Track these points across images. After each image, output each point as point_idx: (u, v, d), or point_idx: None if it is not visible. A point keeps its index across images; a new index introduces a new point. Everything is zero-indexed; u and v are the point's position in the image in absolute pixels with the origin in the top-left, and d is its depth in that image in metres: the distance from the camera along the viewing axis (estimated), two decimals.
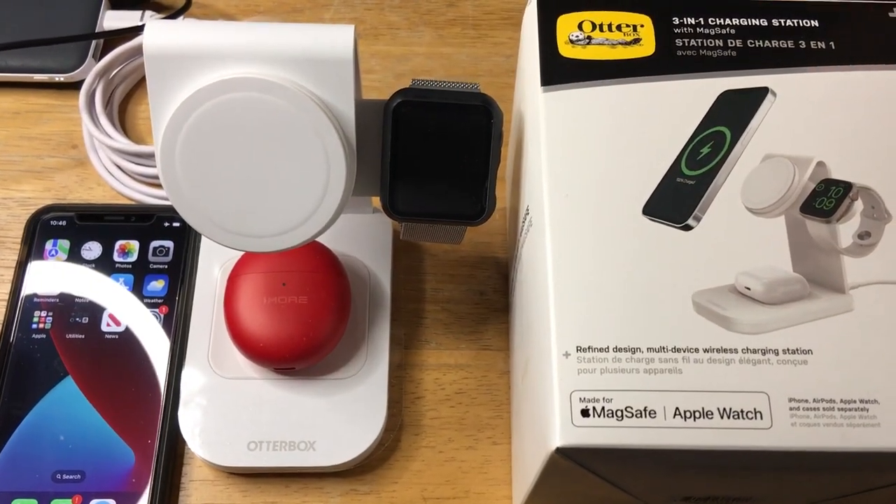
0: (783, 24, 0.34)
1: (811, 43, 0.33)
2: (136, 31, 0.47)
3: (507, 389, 0.42)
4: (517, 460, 0.38)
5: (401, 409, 0.41)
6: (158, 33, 0.31)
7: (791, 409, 0.27)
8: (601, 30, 0.34)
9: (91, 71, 0.47)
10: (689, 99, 0.32)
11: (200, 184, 0.32)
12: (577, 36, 0.34)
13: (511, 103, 0.45)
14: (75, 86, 0.48)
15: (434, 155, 0.34)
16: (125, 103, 0.49)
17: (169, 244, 0.44)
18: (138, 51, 0.48)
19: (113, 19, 0.49)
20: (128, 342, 0.41)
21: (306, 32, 0.32)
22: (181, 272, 0.43)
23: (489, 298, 0.44)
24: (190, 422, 0.39)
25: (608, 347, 0.28)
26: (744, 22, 0.34)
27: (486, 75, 0.50)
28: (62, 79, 0.48)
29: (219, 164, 0.32)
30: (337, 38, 0.31)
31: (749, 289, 0.29)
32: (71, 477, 0.39)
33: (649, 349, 0.28)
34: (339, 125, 0.32)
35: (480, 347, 0.43)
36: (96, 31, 0.49)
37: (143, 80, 0.50)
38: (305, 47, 0.31)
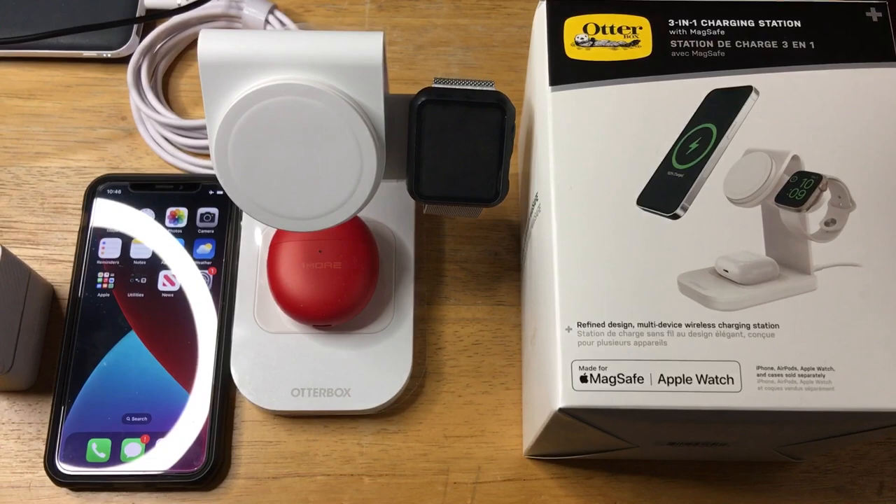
0: (768, 24, 0.37)
1: (793, 43, 0.37)
2: (177, 10, 0.50)
3: (519, 341, 0.47)
4: (526, 406, 0.43)
5: (424, 358, 0.47)
6: (211, 43, 0.35)
7: (758, 375, 0.32)
8: (604, 32, 0.37)
9: (136, 49, 0.50)
10: (681, 98, 0.36)
11: (250, 175, 0.37)
12: (582, 38, 0.37)
13: (523, 73, 0.49)
14: (121, 60, 0.52)
15: (454, 145, 0.38)
16: (167, 76, 0.53)
17: (214, 211, 0.48)
18: (178, 27, 0.52)
19: None
20: (182, 300, 0.47)
21: (341, 40, 0.35)
22: (226, 237, 0.48)
23: (502, 258, 0.49)
24: (240, 370, 0.45)
25: (604, 323, 0.33)
26: (732, 23, 0.37)
27: (499, 46, 0.54)
28: (109, 55, 0.52)
29: (266, 158, 0.36)
30: (368, 46, 0.35)
31: (727, 271, 0.34)
32: (139, 419, 0.44)
33: (639, 324, 0.33)
34: (370, 122, 0.36)
35: (495, 303, 0.48)
36: (137, 7, 0.52)
37: (182, 53, 0.53)
38: (340, 55, 0.35)
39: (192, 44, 0.53)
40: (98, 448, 0.44)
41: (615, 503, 0.44)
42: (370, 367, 0.45)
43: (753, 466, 0.45)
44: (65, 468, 0.43)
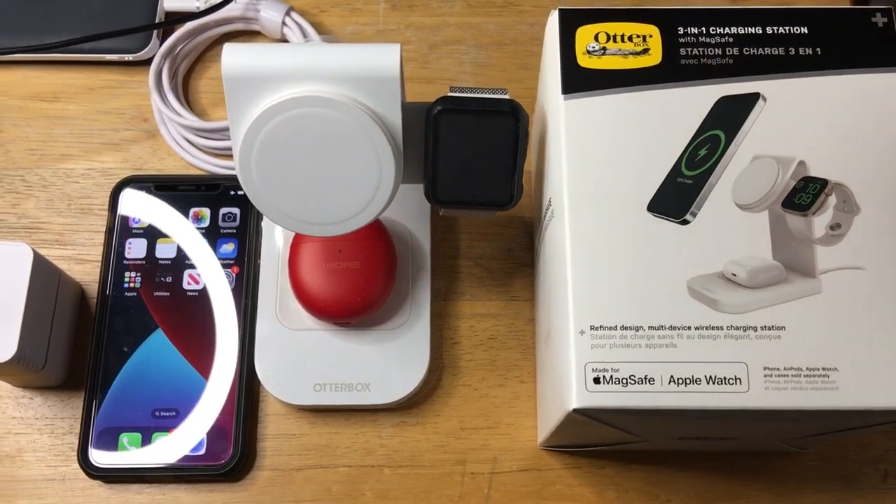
0: (776, 31, 0.38)
1: (800, 49, 0.38)
2: (196, 14, 0.51)
3: (533, 335, 0.48)
4: (541, 400, 0.45)
5: (441, 353, 0.48)
6: (235, 58, 0.36)
7: (765, 376, 0.33)
8: (614, 40, 0.38)
9: (157, 52, 0.52)
10: (690, 105, 0.37)
11: (273, 184, 0.38)
12: (593, 47, 0.38)
13: (536, 70, 0.50)
14: (143, 63, 0.53)
15: (469, 152, 0.39)
16: (187, 78, 0.54)
17: (236, 211, 0.50)
18: (198, 30, 0.53)
19: (173, 0, 0.53)
20: (206, 298, 0.48)
21: (359, 53, 0.37)
22: (248, 236, 0.49)
23: (516, 255, 0.50)
24: (264, 366, 0.46)
25: (616, 326, 0.34)
26: (740, 30, 0.38)
27: (512, 43, 0.55)
28: (130, 58, 0.53)
29: (288, 167, 0.37)
30: (385, 59, 0.36)
31: (735, 275, 0.35)
32: (167, 414, 0.46)
33: (650, 327, 0.34)
34: (388, 131, 0.37)
35: (509, 298, 0.49)
36: (157, 10, 0.53)
37: (202, 55, 0.55)
38: (359, 68, 0.36)
39: (211, 46, 0.55)
40: (129, 442, 0.46)
41: (627, 492, 0.46)
42: (389, 362, 0.47)
43: (760, 456, 0.46)
44: (98, 461, 0.45)
